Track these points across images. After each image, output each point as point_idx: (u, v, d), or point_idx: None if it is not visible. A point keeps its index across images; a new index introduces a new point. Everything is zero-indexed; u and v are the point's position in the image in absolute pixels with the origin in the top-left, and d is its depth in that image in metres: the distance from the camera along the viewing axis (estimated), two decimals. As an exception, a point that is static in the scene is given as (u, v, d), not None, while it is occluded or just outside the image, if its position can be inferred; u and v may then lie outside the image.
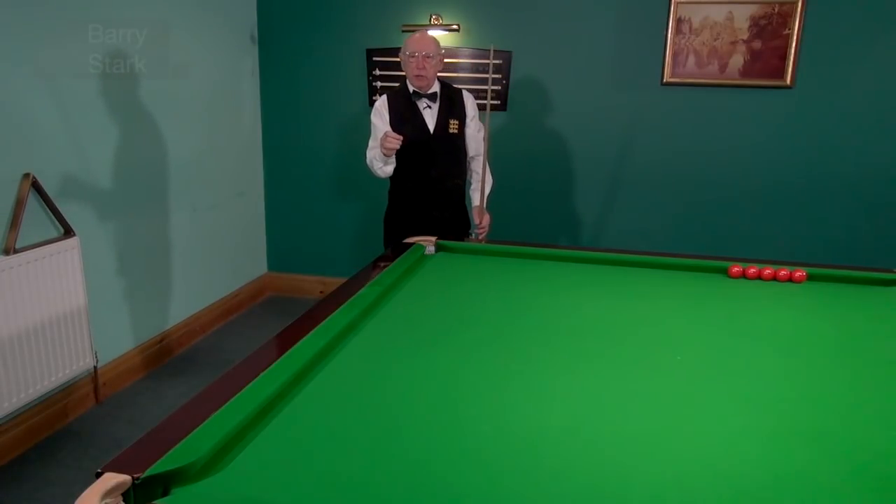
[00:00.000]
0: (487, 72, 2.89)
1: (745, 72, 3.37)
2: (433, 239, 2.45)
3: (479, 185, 2.90)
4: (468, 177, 2.98)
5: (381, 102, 2.80)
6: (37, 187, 2.45)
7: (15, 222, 2.37)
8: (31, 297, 2.42)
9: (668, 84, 3.48)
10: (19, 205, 2.39)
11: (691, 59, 3.41)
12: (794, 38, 3.27)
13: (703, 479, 1.06)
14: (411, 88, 2.76)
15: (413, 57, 2.68)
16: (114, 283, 2.94)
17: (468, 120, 2.85)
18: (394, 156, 2.70)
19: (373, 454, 1.11)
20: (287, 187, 4.13)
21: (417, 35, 2.74)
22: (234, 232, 3.89)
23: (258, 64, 3.96)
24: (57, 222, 2.56)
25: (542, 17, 3.56)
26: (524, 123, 3.71)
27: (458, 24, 3.61)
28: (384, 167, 2.75)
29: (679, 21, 3.38)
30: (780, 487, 1.05)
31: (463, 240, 2.65)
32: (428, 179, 2.82)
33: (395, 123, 2.73)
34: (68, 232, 2.59)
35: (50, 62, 2.51)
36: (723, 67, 3.39)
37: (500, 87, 3.64)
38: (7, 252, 2.34)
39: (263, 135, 4.08)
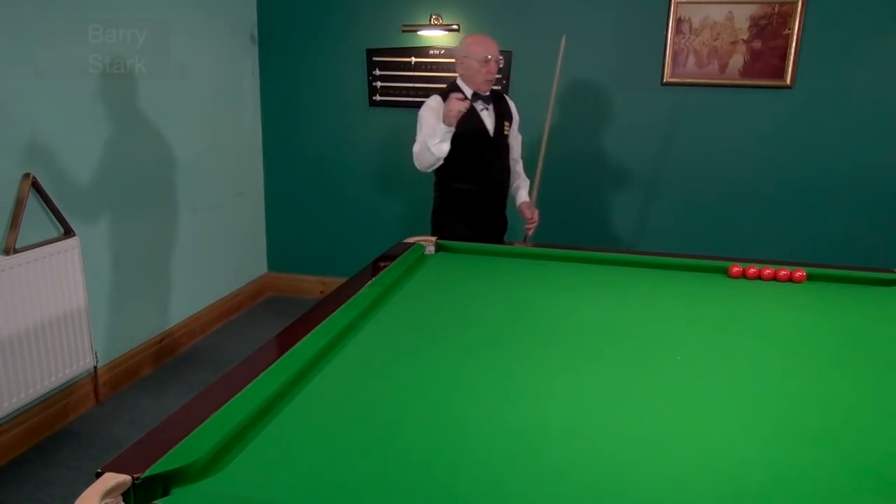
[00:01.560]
0: (556, 64, 2.77)
1: (745, 72, 3.37)
2: (433, 239, 2.45)
3: (524, 182, 2.92)
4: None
5: (436, 102, 2.67)
6: (37, 187, 2.45)
7: (15, 222, 2.37)
8: (31, 297, 2.42)
9: (668, 84, 3.48)
10: (19, 205, 2.39)
11: (691, 59, 3.41)
12: (794, 38, 3.27)
13: (703, 479, 1.06)
14: (468, 91, 2.68)
15: (487, 62, 2.61)
16: (114, 283, 2.94)
17: (514, 122, 2.84)
18: (449, 139, 2.60)
19: (373, 454, 1.11)
20: (287, 187, 4.13)
21: (484, 38, 2.66)
22: (234, 232, 3.89)
23: (258, 64, 3.97)
24: (57, 222, 2.56)
25: (542, 17, 3.56)
26: (523, 123, 3.70)
27: (458, 24, 3.61)
28: (441, 144, 2.56)
29: (679, 21, 3.38)
30: (780, 487, 1.05)
31: (503, 241, 2.64)
32: (490, 182, 2.77)
33: (457, 128, 2.61)
34: (68, 232, 2.59)
35: (50, 62, 2.51)
36: (723, 67, 3.39)
37: (499, 87, 3.64)
38: (7, 252, 2.34)
39: (263, 135, 4.08)
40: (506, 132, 2.79)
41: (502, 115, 2.77)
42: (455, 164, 2.68)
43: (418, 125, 2.70)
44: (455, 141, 2.60)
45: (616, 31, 3.50)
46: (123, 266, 2.99)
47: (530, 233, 2.86)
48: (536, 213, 2.85)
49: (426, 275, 2.16)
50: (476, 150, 2.69)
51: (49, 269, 2.48)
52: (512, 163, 2.93)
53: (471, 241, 2.52)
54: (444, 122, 2.53)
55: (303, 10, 3.83)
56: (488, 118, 2.73)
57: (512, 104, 2.87)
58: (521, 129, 2.94)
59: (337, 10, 3.79)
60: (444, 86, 2.79)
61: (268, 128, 4.06)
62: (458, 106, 2.48)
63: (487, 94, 2.71)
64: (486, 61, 2.61)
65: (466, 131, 2.64)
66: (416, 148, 2.68)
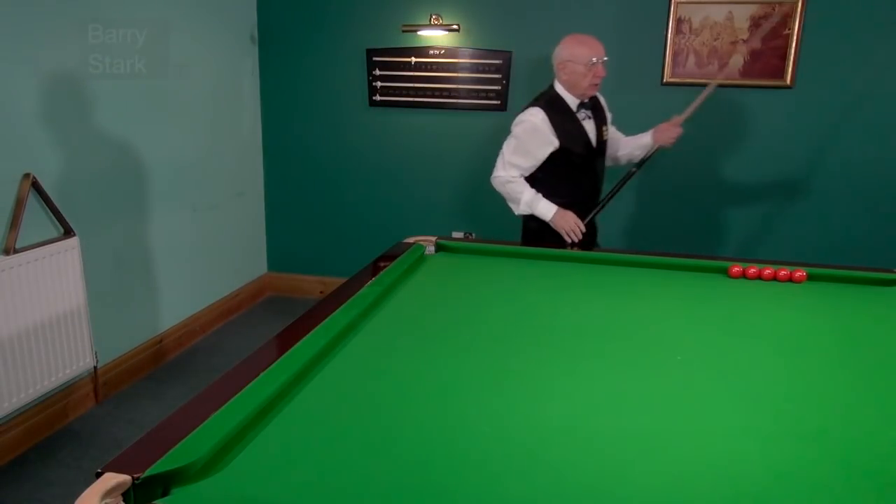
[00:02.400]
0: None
1: (745, 72, 3.37)
2: (433, 239, 2.45)
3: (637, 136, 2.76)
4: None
5: (542, 119, 2.46)
6: (37, 187, 2.45)
7: (15, 222, 2.37)
8: (31, 297, 2.42)
9: (668, 84, 3.48)
10: (19, 205, 2.39)
11: (691, 59, 3.41)
12: (794, 38, 3.27)
13: (702, 479, 1.06)
14: (572, 101, 2.51)
15: (594, 65, 2.43)
16: (114, 283, 2.94)
17: (609, 123, 2.70)
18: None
19: (372, 454, 1.11)
20: (287, 187, 4.13)
21: (587, 38, 2.49)
22: (234, 232, 3.89)
23: (258, 64, 3.96)
24: (57, 222, 2.56)
25: (542, 17, 3.56)
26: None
27: (458, 24, 3.61)
28: (519, 210, 2.54)
29: (679, 21, 3.38)
30: (779, 487, 1.05)
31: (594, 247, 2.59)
32: (592, 191, 2.63)
33: (564, 141, 2.48)
34: (68, 232, 2.59)
35: (50, 62, 2.51)
36: (723, 67, 3.38)
37: (499, 87, 3.64)
38: (7, 252, 2.34)
39: (263, 135, 4.08)
40: (605, 138, 2.63)
41: (600, 120, 2.61)
42: (558, 180, 2.53)
43: (512, 140, 2.52)
44: (560, 158, 2.49)
45: (616, 31, 3.49)
46: (123, 266, 2.99)
47: (670, 143, 2.65)
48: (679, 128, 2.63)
49: (426, 275, 2.16)
50: (581, 164, 2.54)
51: (49, 269, 2.48)
52: (618, 143, 2.78)
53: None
54: (552, 221, 2.48)
55: (303, 10, 3.83)
56: (590, 127, 2.56)
57: (603, 100, 2.69)
58: (613, 121, 2.77)
59: (337, 10, 3.79)
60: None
61: (268, 128, 4.06)
62: (577, 239, 2.46)
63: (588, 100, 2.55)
64: (593, 64, 2.43)
65: (573, 147, 2.50)
66: (504, 175, 2.53)
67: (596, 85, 2.50)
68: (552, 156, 2.50)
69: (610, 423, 1.24)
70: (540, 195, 2.53)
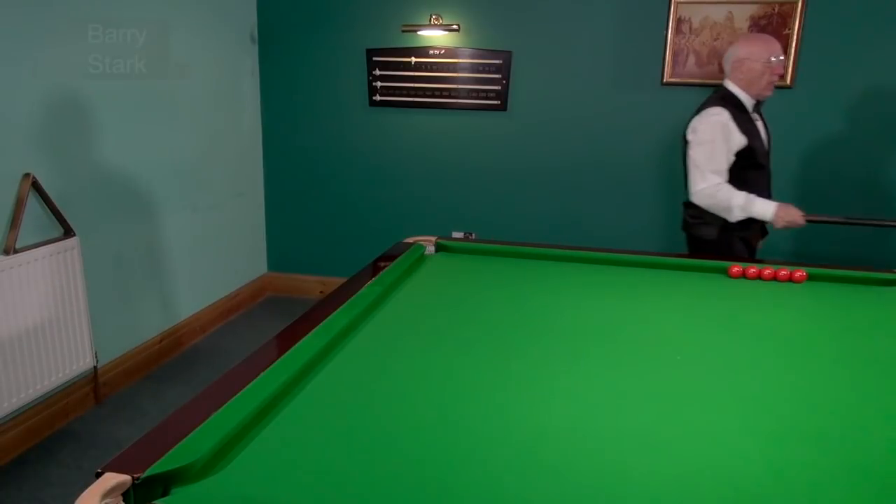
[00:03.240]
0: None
1: (745, 72, 3.36)
2: (433, 239, 2.45)
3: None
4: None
5: (728, 116, 2.40)
6: (37, 187, 2.45)
7: (15, 222, 2.37)
8: (31, 297, 2.42)
9: (668, 84, 3.48)
10: (19, 205, 2.39)
11: (691, 59, 3.41)
12: (794, 38, 3.27)
13: (702, 479, 1.06)
14: (747, 100, 2.45)
15: (772, 63, 2.39)
16: (114, 283, 2.94)
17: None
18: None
19: (372, 454, 1.11)
20: (287, 187, 4.13)
21: (764, 36, 2.44)
22: (234, 232, 3.89)
23: (258, 64, 3.97)
24: (57, 222, 2.56)
25: (542, 17, 3.56)
26: (524, 123, 3.71)
27: (458, 24, 3.61)
28: (734, 216, 2.42)
29: (679, 21, 3.38)
30: (779, 487, 1.05)
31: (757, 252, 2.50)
32: (768, 198, 2.52)
33: (749, 139, 2.42)
34: (68, 232, 2.59)
35: (50, 62, 2.51)
36: (723, 67, 3.38)
37: (499, 87, 3.64)
38: (7, 252, 2.34)
39: (263, 135, 4.08)
40: (772, 143, 2.58)
41: (767, 125, 2.58)
42: (740, 186, 2.44)
43: (702, 147, 2.42)
44: (744, 160, 2.42)
45: (616, 31, 3.50)
46: (123, 266, 2.99)
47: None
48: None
49: (426, 275, 2.16)
50: (761, 166, 2.48)
51: (49, 269, 2.48)
52: None
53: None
54: (774, 217, 2.40)
55: (303, 10, 3.83)
56: (762, 129, 2.51)
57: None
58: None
59: (337, 10, 3.79)
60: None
61: (268, 128, 4.06)
62: (794, 226, 2.40)
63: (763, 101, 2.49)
64: (772, 62, 2.39)
65: (756, 146, 2.43)
66: (706, 186, 2.42)
67: (773, 84, 2.43)
68: (736, 156, 2.43)
69: (610, 422, 1.24)
70: (753, 195, 2.42)
